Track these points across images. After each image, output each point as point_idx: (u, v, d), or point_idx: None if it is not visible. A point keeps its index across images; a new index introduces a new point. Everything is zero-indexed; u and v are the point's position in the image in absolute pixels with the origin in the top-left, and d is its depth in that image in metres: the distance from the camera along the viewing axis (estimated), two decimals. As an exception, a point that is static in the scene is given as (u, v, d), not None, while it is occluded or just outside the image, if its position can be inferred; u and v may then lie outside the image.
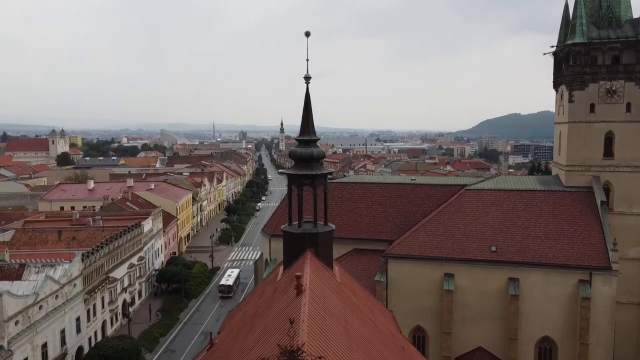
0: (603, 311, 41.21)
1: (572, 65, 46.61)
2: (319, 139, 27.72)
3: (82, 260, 50.66)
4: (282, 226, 28.58)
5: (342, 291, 26.33)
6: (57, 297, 45.44)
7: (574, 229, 43.90)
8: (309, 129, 27.22)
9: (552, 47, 49.89)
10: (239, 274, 77.50)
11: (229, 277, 74.29)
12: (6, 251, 50.61)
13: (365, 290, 33.71)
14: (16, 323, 39.49)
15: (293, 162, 28.05)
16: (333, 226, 28.73)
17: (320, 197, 27.46)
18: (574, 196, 45.98)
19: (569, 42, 46.43)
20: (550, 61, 52.16)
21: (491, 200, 47.35)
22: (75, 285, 48.85)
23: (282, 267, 28.74)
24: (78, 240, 60.95)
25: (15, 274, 46.98)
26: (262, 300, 26.48)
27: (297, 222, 27.91)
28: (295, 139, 27.53)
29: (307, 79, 27.06)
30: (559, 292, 42.06)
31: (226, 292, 70.89)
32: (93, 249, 53.85)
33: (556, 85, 51.36)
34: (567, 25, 48.42)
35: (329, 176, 29.37)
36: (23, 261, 49.74)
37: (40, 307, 42.89)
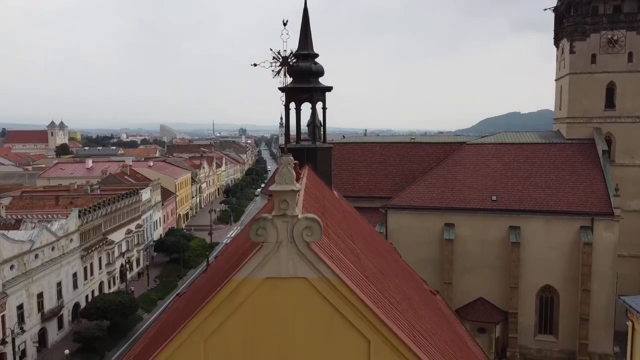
0: (605, 257, 40.82)
1: (573, 15, 46.28)
2: (317, 55, 27.25)
3: (79, 217, 50.20)
4: (280, 145, 28.26)
5: (342, 206, 25.89)
6: (53, 248, 44.98)
7: (575, 177, 43.54)
8: (307, 43, 26.79)
9: (554, -2, 49.50)
10: None
11: None
12: (2, 207, 50.17)
13: (365, 219, 33.23)
14: (11, 267, 39.06)
15: (291, 79, 27.59)
16: (332, 145, 28.32)
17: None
18: (575, 147, 45.60)
19: (570, -8, 46.06)
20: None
21: (492, 154, 46.98)
22: (72, 240, 48.38)
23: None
24: (76, 205, 60.43)
25: (11, 228, 46.60)
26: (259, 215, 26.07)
27: (294, 142, 27.51)
28: (294, 55, 27.02)
29: (306, -7, 26.61)
30: (561, 239, 41.66)
31: None
32: (90, 207, 53.41)
33: (557, 41, 50.96)
34: (568, -18, 48.03)
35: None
36: (19, 217, 49.34)
37: (36, 255, 42.45)
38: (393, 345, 7.89)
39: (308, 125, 29.96)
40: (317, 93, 27.06)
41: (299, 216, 7.79)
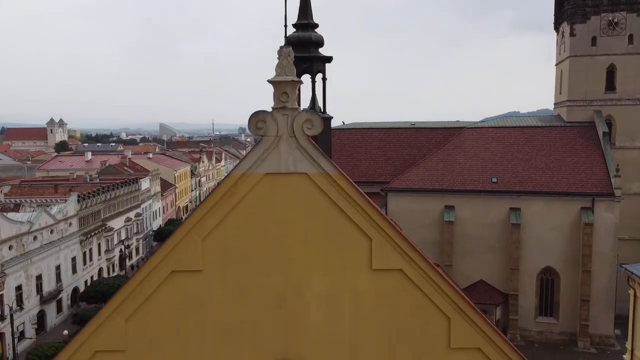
0: (605, 238, 40.70)
1: (573, -3, 46.12)
2: (317, 25, 27.06)
3: (78, 201, 50.04)
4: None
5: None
6: (52, 231, 44.81)
7: (576, 159, 43.41)
8: (306, 12, 26.59)
9: (554, -18, 49.40)
10: None
11: None
12: (1, 192, 50.01)
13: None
14: (10, 248, 38.89)
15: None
16: (331, 116, 28.16)
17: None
18: (576, 130, 45.48)
19: (571, -26, 45.94)
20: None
21: (492, 137, 46.84)
22: (71, 224, 48.21)
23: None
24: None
25: (10, 212, 46.44)
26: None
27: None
28: (293, 25, 26.87)
29: (305, -38, 26.46)
30: (561, 221, 41.50)
31: None
32: (89, 193, 53.26)
33: (557, 25, 50.84)
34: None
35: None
36: (18, 201, 49.20)
37: (35, 237, 42.30)
38: (395, 243, 7.75)
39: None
40: (317, 63, 26.69)
41: (300, 109, 7.64)
